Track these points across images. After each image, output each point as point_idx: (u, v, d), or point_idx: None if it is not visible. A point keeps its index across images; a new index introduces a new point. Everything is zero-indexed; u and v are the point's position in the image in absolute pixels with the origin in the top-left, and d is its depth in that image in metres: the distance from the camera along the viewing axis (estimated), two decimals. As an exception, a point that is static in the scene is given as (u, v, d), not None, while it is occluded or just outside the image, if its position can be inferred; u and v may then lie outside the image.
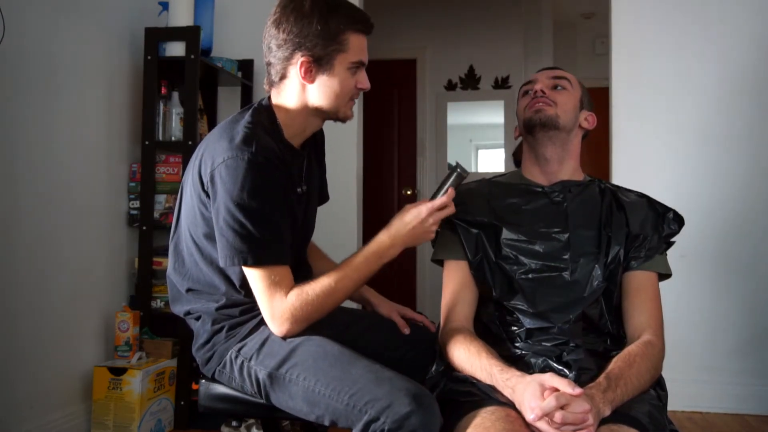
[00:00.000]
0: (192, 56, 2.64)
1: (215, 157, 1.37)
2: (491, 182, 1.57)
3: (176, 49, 2.70)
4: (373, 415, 1.25)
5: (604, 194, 1.49)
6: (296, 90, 1.45)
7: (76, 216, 2.45)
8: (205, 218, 1.42)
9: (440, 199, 1.41)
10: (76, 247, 2.45)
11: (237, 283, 1.43)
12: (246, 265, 1.36)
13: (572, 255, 1.42)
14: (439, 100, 5.18)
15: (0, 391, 2.10)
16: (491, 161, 6.48)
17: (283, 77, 1.46)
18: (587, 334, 1.38)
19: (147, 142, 2.67)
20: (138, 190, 2.71)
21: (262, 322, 1.42)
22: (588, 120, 1.53)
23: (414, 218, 1.41)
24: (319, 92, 1.44)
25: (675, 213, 1.47)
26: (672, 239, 1.47)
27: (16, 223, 2.17)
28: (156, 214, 2.70)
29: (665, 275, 1.46)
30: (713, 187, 2.82)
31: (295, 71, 1.43)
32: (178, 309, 1.53)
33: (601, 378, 1.23)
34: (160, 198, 2.71)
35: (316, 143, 1.64)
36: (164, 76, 2.72)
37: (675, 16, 2.87)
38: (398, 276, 4.57)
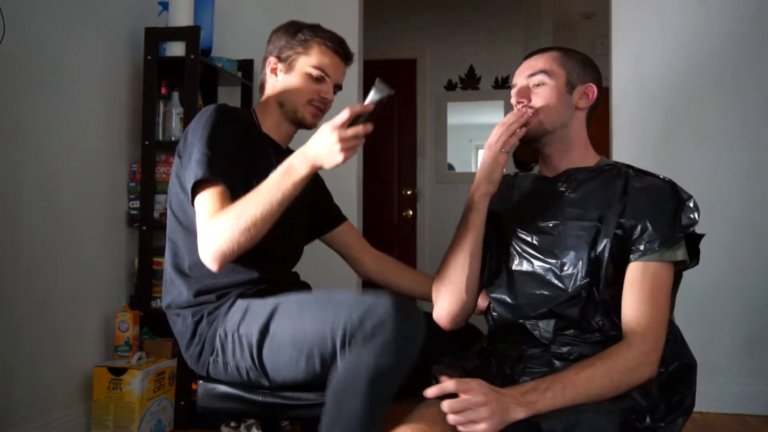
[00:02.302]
0: (192, 56, 2.64)
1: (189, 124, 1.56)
2: (516, 176, 1.55)
3: (176, 49, 2.70)
4: (354, 323, 1.26)
5: (617, 180, 1.38)
6: (269, 87, 1.68)
7: (76, 216, 2.45)
8: (181, 184, 1.52)
9: (341, 116, 1.33)
10: (76, 247, 2.45)
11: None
12: (197, 178, 1.41)
13: (562, 248, 1.35)
14: (439, 100, 5.18)
15: (0, 391, 2.10)
16: (491, 161, 6.47)
17: (262, 82, 1.70)
18: (572, 334, 1.32)
19: (147, 142, 2.67)
20: (138, 190, 2.71)
21: (237, 298, 1.49)
22: (587, 95, 1.43)
23: (318, 135, 1.36)
24: (281, 87, 1.64)
25: (694, 202, 1.34)
26: (690, 229, 1.32)
27: (16, 223, 2.17)
28: (156, 214, 2.69)
29: (682, 263, 1.32)
30: (713, 187, 2.81)
31: (267, 71, 1.67)
32: (164, 300, 1.62)
33: (531, 381, 1.20)
34: (160, 198, 2.71)
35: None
36: (164, 76, 2.72)
37: (675, 16, 2.87)
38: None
